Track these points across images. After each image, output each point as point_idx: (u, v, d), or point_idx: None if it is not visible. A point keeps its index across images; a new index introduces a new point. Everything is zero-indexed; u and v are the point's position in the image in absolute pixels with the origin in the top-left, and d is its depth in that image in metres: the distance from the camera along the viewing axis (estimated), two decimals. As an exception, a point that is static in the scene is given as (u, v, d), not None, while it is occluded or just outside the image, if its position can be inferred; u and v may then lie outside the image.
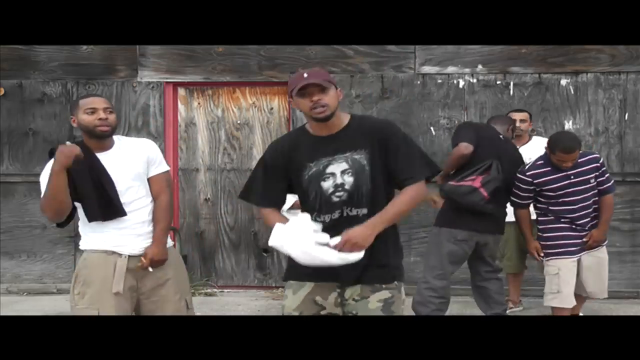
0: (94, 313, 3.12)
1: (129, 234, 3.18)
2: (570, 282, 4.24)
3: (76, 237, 6.27)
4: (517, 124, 5.10)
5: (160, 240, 3.22)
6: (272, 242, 2.73)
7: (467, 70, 6.07)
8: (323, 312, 2.82)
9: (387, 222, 2.73)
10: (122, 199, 3.15)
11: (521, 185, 4.32)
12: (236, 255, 6.35)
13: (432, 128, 6.05)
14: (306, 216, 2.74)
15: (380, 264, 2.79)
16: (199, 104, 6.37)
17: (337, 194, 2.77)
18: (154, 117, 6.23)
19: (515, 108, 5.63)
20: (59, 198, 3.13)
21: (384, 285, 2.81)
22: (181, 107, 6.39)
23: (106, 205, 3.13)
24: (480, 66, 6.06)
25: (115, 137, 3.28)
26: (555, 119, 5.97)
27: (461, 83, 6.07)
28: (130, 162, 3.20)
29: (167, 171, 3.34)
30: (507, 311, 5.42)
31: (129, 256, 3.17)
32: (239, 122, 6.35)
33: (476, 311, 4.80)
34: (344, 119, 2.84)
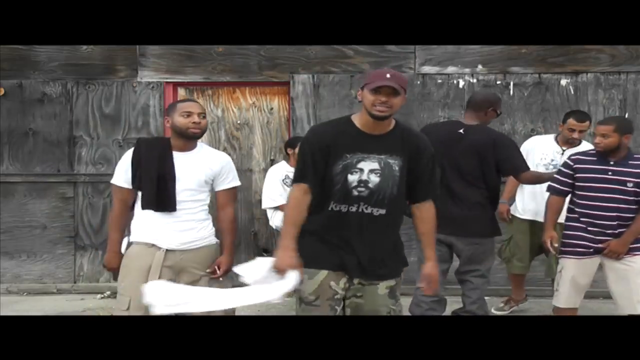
0: (127, 300, 3.37)
1: (171, 230, 3.43)
2: (570, 282, 4.19)
3: (76, 237, 6.33)
4: (575, 135, 4.90)
5: (231, 250, 3.64)
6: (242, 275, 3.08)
7: (467, 70, 6.07)
8: (337, 296, 3.01)
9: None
10: (177, 197, 3.42)
11: (562, 169, 4.22)
12: (236, 255, 6.31)
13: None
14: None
15: (389, 263, 3.09)
16: (199, 104, 6.37)
17: (359, 189, 2.96)
18: (153, 117, 6.23)
19: (575, 110, 5.23)
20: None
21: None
22: (181, 107, 6.38)
23: (161, 196, 3.40)
24: (480, 66, 6.07)
25: (199, 143, 3.59)
26: (555, 119, 5.97)
27: (461, 83, 6.07)
28: (199, 169, 3.49)
29: (236, 187, 3.67)
30: (509, 310, 5.41)
31: (167, 250, 3.41)
32: (239, 122, 6.35)
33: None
34: (391, 122, 3.04)
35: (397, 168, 2.99)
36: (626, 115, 5.95)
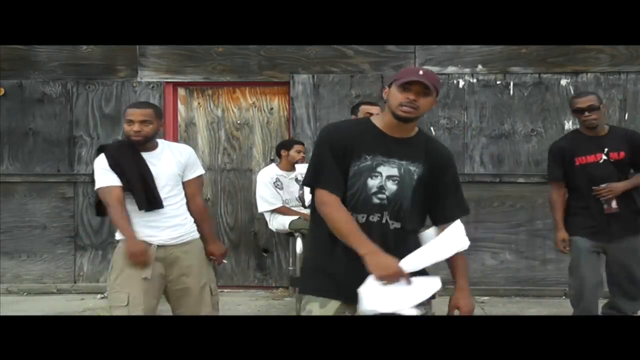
0: (125, 295, 3.47)
1: (159, 226, 3.53)
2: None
3: (76, 237, 6.33)
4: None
5: (214, 236, 3.79)
6: (368, 307, 2.47)
7: (467, 70, 6.07)
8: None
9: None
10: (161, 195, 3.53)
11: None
12: (236, 255, 6.35)
13: (432, 128, 6.05)
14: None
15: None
16: (199, 104, 6.37)
17: (380, 195, 2.60)
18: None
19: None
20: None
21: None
22: (181, 107, 6.39)
23: (151, 197, 3.50)
24: (480, 66, 6.07)
25: (159, 141, 3.66)
26: (555, 119, 5.98)
27: (461, 83, 6.07)
28: (171, 163, 3.59)
29: (202, 175, 3.77)
30: None
31: (158, 246, 3.51)
32: (239, 122, 6.36)
33: (476, 311, 4.79)
34: (415, 128, 2.71)
35: (416, 177, 2.63)
36: (626, 116, 5.96)
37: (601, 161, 4.21)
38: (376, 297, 2.44)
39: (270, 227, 5.47)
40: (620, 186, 4.17)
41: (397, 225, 2.62)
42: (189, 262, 3.58)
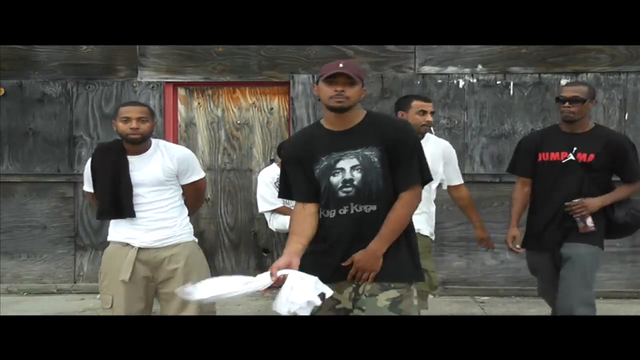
0: (110, 298, 3.47)
1: (141, 228, 3.44)
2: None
3: (76, 237, 6.33)
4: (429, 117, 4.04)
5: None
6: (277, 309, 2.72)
7: (467, 70, 6.07)
8: (338, 306, 2.82)
9: (388, 242, 2.77)
10: (140, 200, 3.43)
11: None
12: (236, 255, 6.35)
13: (432, 128, 6.04)
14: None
15: (390, 262, 2.78)
16: (199, 104, 6.37)
17: (345, 189, 2.78)
18: (154, 117, 6.23)
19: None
20: None
21: (392, 285, 2.78)
22: (181, 107, 6.39)
23: (117, 205, 3.42)
24: (480, 66, 6.07)
25: (154, 142, 3.54)
26: (555, 119, 5.96)
27: (461, 83, 6.07)
28: (156, 169, 3.46)
29: (197, 180, 3.60)
30: None
31: (139, 248, 3.43)
32: (239, 122, 6.36)
33: (476, 311, 4.80)
34: (360, 115, 2.85)
35: (376, 159, 2.78)
36: (626, 116, 5.96)
37: (564, 161, 3.71)
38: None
39: (270, 227, 5.46)
40: (596, 202, 3.64)
41: (373, 207, 2.78)
42: (175, 266, 3.46)
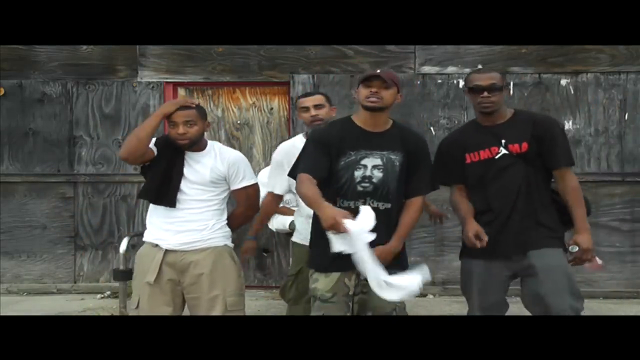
0: (137, 299, 3.43)
1: (171, 230, 3.40)
2: None
3: (76, 237, 6.33)
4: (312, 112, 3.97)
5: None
6: (337, 248, 2.93)
7: (467, 70, 6.06)
8: (350, 293, 3.15)
9: (403, 241, 3.19)
10: (181, 196, 3.40)
11: None
12: (236, 255, 6.33)
13: (432, 128, 6.05)
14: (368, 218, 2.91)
15: (394, 259, 3.13)
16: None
17: (363, 184, 3.10)
18: (154, 117, 6.23)
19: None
20: (140, 136, 3.38)
21: None
22: (181, 107, 6.38)
23: (162, 190, 3.39)
24: (480, 66, 6.06)
25: (210, 143, 3.59)
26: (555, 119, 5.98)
27: (461, 83, 6.07)
28: (205, 169, 3.46)
29: (249, 186, 3.56)
30: None
31: (167, 250, 3.39)
32: (239, 122, 6.35)
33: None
34: (389, 122, 3.22)
35: (397, 163, 3.14)
36: (626, 116, 5.96)
37: (497, 157, 3.29)
38: (336, 241, 2.91)
39: (270, 227, 5.45)
40: (586, 236, 3.25)
41: (388, 205, 3.13)
42: (200, 271, 3.39)
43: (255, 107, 6.35)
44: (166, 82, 6.24)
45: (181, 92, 6.36)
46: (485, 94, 3.33)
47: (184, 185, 3.40)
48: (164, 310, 3.38)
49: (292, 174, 3.25)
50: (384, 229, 3.05)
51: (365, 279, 2.98)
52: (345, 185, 3.10)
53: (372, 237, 2.86)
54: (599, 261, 3.33)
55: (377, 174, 3.11)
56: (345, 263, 2.98)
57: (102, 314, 5.31)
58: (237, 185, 3.52)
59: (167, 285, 3.39)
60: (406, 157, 3.16)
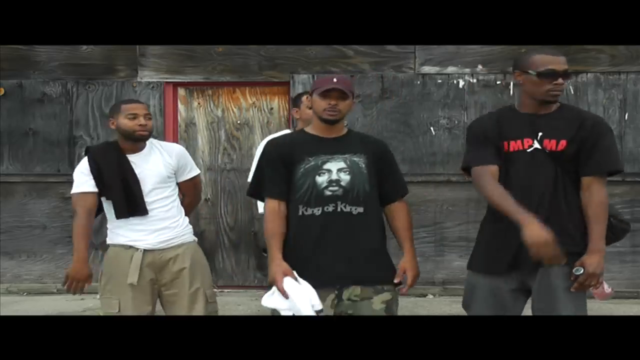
0: (116, 302, 3.40)
1: (145, 230, 3.40)
2: None
3: (76, 237, 6.30)
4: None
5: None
6: (266, 303, 2.93)
7: (467, 70, 6.07)
8: (320, 314, 2.83)
9: (412, 242, 3.08)
10: (146, 199, 3.39)
11: None
12: (236, 255, 6.35)
13: (432, 128, 6.05)
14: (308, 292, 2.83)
15: (379, 266, 3.00)
16: (199, 104, 6.37)
17: (331, 188, 2.93)
18: (154, 117, 6.16)
19: None
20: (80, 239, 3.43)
21: (385, 287, 2.97)
22: (181, 107, 6.39)
23: (131, 202, 3.37)
24: (480, 66, 6.07)
25: (147, 141, 3.51)
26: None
27: (461, 83, 6.07)
28: (158, 165, 3.45)
29: (195, 176, 3.62)
30: None
31: (145, 250, 3.39)
32: (239, 122, 6.36)
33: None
34: (344, 128, 3.08)
35: (363, 165, 2.97)
36: (626, 116, 5.96)
37: (529, 150, 2.80)
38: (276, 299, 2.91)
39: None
40: (597, 259, 2.75)
41: (360, 209, 2.94)
42: (181, 266, 3.43)
43: (255, 107, 6.36)
44: (166, 82, 6.25)
45: (181, 92, 6.36)
46: (560, 80, 2.82)
47: (144, 188, 3.39)
48: (146, 309, 3.43)
49: (255, 194, 3.17)
50: (362, 235, 2.93)
51: (350, 299, 2.91)
52: (307, 192, 2.92)
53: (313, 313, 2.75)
54: (607, 289, 2.98)
55: (345, 177, 2.92)
56: (321, 282, 2.86)
57: (102, 314, 5.31)
58: (186, 176, 3.56)
59: (147, 285, 3.42)
60: (371, 160, 2.98)
